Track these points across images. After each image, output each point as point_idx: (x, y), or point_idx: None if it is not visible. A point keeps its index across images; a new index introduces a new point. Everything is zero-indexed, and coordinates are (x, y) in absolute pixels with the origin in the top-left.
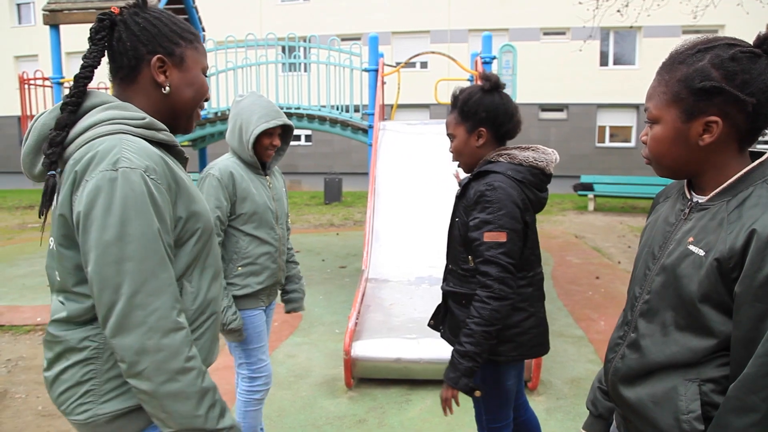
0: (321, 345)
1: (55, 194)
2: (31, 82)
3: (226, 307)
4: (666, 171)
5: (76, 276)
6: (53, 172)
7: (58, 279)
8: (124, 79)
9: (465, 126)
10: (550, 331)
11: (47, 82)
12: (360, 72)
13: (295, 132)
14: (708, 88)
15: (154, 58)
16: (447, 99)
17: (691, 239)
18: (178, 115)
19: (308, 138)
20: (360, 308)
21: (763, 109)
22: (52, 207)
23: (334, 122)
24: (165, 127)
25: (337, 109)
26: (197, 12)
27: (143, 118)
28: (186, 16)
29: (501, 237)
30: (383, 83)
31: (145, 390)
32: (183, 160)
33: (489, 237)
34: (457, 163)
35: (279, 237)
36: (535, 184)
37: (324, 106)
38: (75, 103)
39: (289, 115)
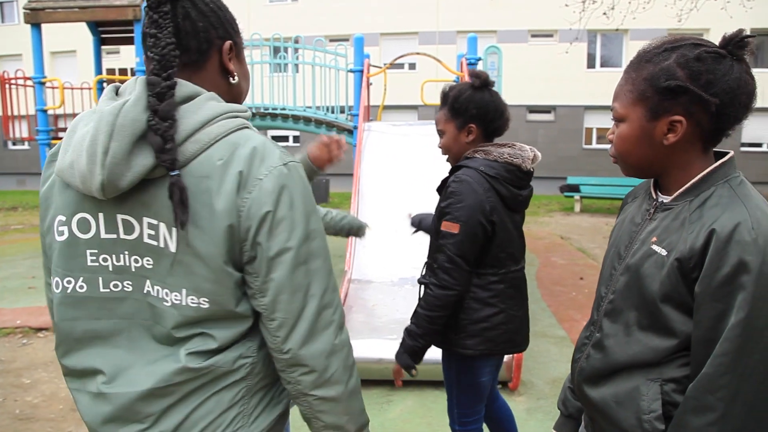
0: None
1: (186, 201)
2: (13, 81)
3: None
4: (632, 170)
5: (236, 294)
6: (178, 173)
7: (206, 306)
8: (189, 65)
9: (455, 122)
10: (532, 332)
11: (29, 82)
12: (346, 73)
13: (284, 133)
14: (673, 87)
15: (227, 44)
16: (434, 100)
17: (654, 239)
18: None
19: (296, 139)
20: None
21: (726, 110)
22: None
23: (319, 123)
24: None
25: (328, 110)
26: None
27: (246, 110)
28: None
29: (454, 228)
30: (369, 84)
31: (334, 396)
32: None
33: (444, 226)
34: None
35: None
36: (510, 180)
37: (309, 107)
38: (171, 87)
39: (276, 116)
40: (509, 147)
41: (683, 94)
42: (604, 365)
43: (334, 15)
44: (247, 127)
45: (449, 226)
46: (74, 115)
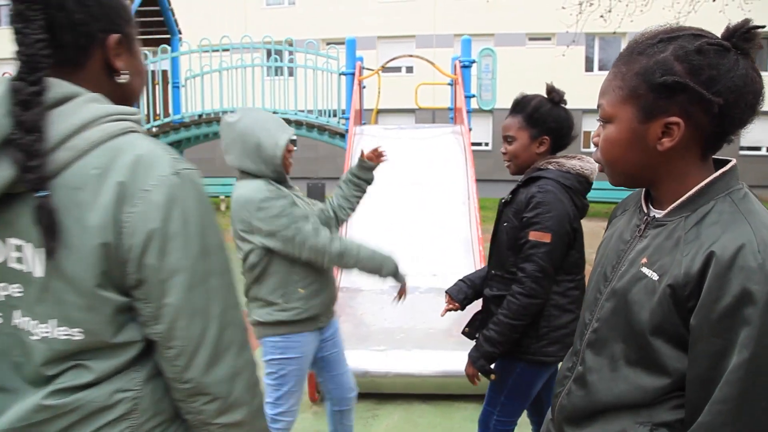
0: None
1: (56, 222)
2: None
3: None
4: (619, 178)
5: (116, 323)
6: (47, 193)
7: (80, 338)
8: (66, 63)
9: (530, 132)
10: None
11: None
12: (339, 76)
13: None
14: (670, 84)
15: (113, 38)
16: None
17: (644, 260)
18: None
19: (293, 143)
20: None
21: (730, 111)
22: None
23: (311, 126)
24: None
25: (324, 114)
26: (173, 15)
27: (135, 112)
28: (161, 18)
29: (545, 237)
30: (361, 87)
31: (239, 420)
32: None
33: (534, 236)
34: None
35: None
36: (580, 191)
37: (302, 111)
38: (40, 94)
39: None
40: (578, 159)
41: (681, 92)
42: (586, 404)
43: (331, 18)
44: (134, 131)
45: (540, 236)
46: None
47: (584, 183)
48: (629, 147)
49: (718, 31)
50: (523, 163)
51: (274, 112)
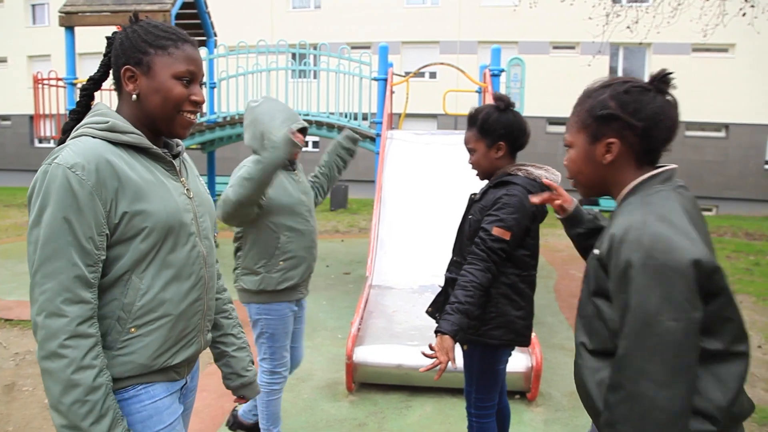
0: (323, 349)
1: None
2: (45, 82)
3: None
4: (584, 189)
5: None
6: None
7: None
8: (116, 90)
9: (485, 141)
10: (550, 344)
11: (61, 83)
12: (369, 80)
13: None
14: (606, 115)
15: (122, 69)
16: (455, 110)
17: (598, 242)
18: (154, 120)
19: (315, 144)
20: (363, 314)
21: (651, 132)
22: None
23: (341, 130)
24: (133, 130)
25: (345, 116)
26: (210, 17)
27: (106, 122)
28: (199, 21)
29: (506, 235)
30: (392, 92)
31: (39, 355)
32: (164, 162)
33: (497, 231)
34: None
35: (313, 229)
36: None
37: (332, 113)
38: (78, 112)
39: None
40: (545, 170)
41: (615, 121)
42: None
43: (356, 23)
44: (83, 135)
45: (502, 233)
46: None
47: (547, 191)
48: (585, 163)
49: (748, 42)
50: (486, 170)
51: (305, 114)
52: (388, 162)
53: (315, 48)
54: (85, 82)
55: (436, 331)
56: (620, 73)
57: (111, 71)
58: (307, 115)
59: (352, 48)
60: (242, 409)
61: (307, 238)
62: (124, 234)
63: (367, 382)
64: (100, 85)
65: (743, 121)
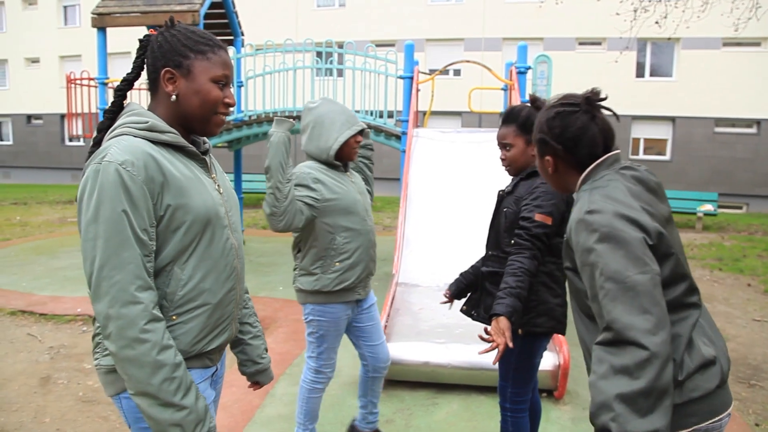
0: (350, 347)
1: None
2: (77, 81)
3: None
4: (557, 190)
5: None
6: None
7: None
8: (151, 91)
9: (525, 138)
10: (575, 342)
11: (92, 82)
12: (394, 78)
13: None
14: (539, 139)
15: (163, 71)
16: (479, 107)
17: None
18: (191, 120)
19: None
20: (390, 312)
21: (574, 150)
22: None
23: (368, 128)
24: (171, 130)
25: (371, 114)
26: (237, 17)
27: (146, 122)
28: (226, 21)
29: (548, 220)
30: (417, 90)
31: (111, 351)
32: (198, 160)
33: (539, 217)
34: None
35: (370, 229)
36: None
37: (358, 111)
38: (112, 111)
39: None
40: None
41: (546, 143)
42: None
43: (380, 20)
44: (124, 135)
45: (544, 218)
46: None
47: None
48: (542, 171)
49: None
50: (521, 165)
51: None
52: (414, 160)
53: (340, 46)
54: (119, 83)
55: (491, 315)
56: (647, 70)
57: (145, 72)
58: None
59: (377, 45)
60: (357, 419)
61: (364, 238)
62: (167, 227)
63: (394, 379)
64: (133, 85)
65: None
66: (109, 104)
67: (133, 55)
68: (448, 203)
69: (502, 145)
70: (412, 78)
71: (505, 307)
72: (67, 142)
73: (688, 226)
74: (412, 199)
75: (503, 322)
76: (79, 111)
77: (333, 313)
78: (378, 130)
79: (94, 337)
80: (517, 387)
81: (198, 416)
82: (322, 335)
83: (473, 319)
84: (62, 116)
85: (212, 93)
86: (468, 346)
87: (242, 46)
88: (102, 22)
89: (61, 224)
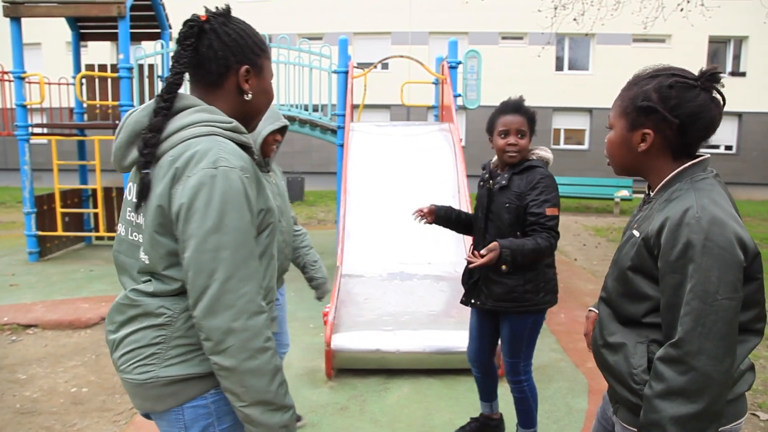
0: (297, 339)
1: (150, 189)
2: None
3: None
4: (617, 168)
5: (167, 261)
6: (147, 171)
7: (147, 262)
8: (210, 84)
9: (530, 131)
10: None
11: (7, 77)
12: (328, 73)
13: None
14: (645, 107)
15: (243, 68)
16: (408, 101)
17: (635, 226)
18: (251, 119)
19: (281, 133)
20: (336, 303)
21: (688, 129)
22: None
23: (303, 122)
24: (244, 130)
25: (305, 109)
26: (164, 9)
27: (231, 122)
28: (153, 13)
29: (555, 212)
30: (352, 85)
31: (228, 366)
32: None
33: (550, 211)
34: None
35: (284, 230)
36: None
37: (293, 106)
38: (168, 108)
39: None
40: (544, 151)
41: (654, 113)
42: (601, 336)
43: (307, 13)
44: (213, 135)
45: (553, 211)
46: (52, 111)
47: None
48: (621, 147)
49: (683, 34)
50: (525, 155)
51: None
52: (352, 154)
53: (270, 40)
54: (172, 77)
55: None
56: (566, 63)
57: (201, 63)
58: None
59: (304, 39)
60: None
61: (279, 237)
62: (258, 230)
63: (344, 368)
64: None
65: None
66: (162, 102)
67: (46, 48)
68: (387, 195)
69: (517, 132)
70: (346, 73)
71: (507, 242)
72: None
73: (606, 211)
74: (351, 192)
75: (496, 246)
76: None
77: None
78: (313, 125)
79: (119, 346)
80: (528, 359)
81: (294, 411)
82: None
83: (472, 307)
84: None
85: (273, 91)
86: (415, 332)
87: (170, 39)
88: (16, 11)
89: None
